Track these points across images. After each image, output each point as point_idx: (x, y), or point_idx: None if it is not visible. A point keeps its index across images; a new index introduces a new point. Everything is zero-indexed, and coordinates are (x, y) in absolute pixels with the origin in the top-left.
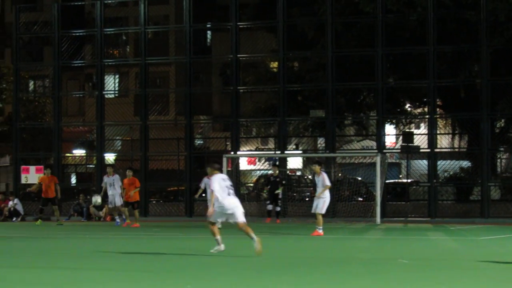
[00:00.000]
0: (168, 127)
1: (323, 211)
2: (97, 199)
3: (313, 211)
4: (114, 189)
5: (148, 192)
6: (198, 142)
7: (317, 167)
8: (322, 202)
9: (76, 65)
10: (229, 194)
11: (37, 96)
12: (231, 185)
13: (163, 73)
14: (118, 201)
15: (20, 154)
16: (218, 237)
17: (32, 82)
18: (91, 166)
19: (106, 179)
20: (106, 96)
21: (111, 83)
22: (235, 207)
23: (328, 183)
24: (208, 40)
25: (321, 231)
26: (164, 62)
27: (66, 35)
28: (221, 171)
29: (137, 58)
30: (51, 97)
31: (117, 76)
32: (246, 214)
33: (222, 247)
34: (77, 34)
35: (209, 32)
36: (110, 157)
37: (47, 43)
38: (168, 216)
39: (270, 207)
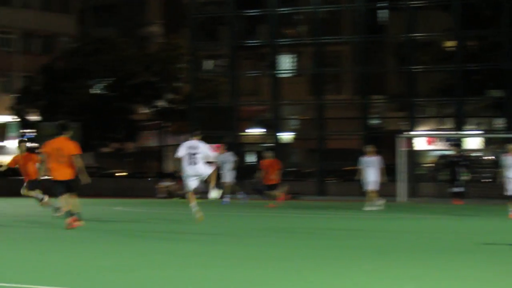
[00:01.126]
0: (344, 106)
1: None
2: None
3: None
4: (225, 166)
5: (325, 171)
6: (374, 121)
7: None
8: None
9: (251, 44)
10: (190, 163)
11: (214, 74)
12: (194, 154)
13: (338, 53)
14: (228, 178)
15: None
16: (193, 203)
17: (208, 61)
18: (267, 145)
19: (218, 156)
20: (281, 75)
21: (285, 62)
22: (197, 176)
23: None
24: (382, 19)
25: None
26: (338, 42)
27: (240, 15)
28: (199, 138)
29: (311, 38)
30: (227, 76)
31: (291, 55)
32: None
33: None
34: (252, 14)
35: (382, 11)
36: (286, 136)
37: (222, 23)
38: (344, 196)
39: (461, 188)
